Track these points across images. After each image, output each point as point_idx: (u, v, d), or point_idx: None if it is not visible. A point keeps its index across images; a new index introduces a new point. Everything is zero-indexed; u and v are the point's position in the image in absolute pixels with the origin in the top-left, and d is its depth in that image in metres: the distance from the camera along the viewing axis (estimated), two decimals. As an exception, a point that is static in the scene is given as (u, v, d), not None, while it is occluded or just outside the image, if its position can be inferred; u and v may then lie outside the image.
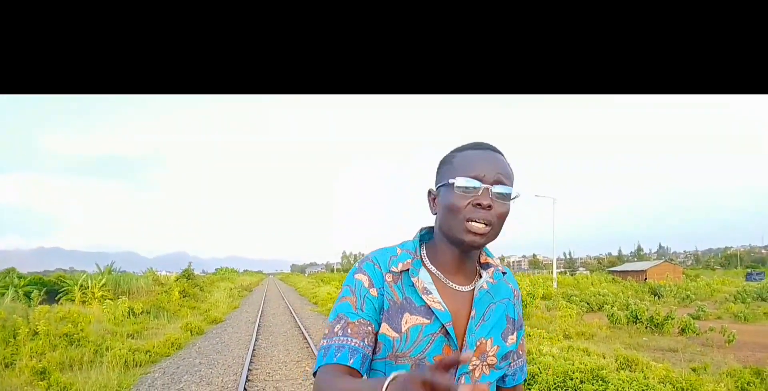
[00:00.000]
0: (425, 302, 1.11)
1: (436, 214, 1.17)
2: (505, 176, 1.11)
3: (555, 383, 5.51)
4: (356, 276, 1.16)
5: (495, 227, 1.10)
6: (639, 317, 14.00)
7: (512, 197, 1.12)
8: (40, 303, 15.74)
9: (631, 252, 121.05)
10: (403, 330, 1.09)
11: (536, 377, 5.79)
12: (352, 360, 1.06)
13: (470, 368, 1.13)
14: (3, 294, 16.02)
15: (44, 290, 19.37)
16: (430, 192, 1.19)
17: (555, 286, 29.93)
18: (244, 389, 6.89)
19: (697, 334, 12.76)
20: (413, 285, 1.12)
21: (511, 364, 1.28)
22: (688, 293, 24.79)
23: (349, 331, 1.09)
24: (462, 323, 1.13)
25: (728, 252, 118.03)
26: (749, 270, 57.26)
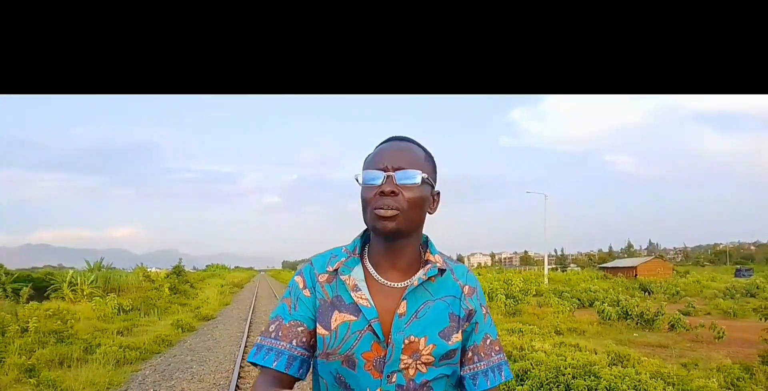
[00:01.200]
0: (354, 300, 1.13)
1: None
2: (407, 162, 1.13)
3: (547, 379, 5.51)
4: (295, 278, 1.22)
5: (405, 212, 1.11)
6: (629, 313, 14.09)
7: (417, 182, 1.12)
8: (28, 300, 15.60)
9: (622, 249, 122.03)
10: (332, 328, 1.13)
11: (528, 372, 5.80)
12: (275, 363, 1.13)
13: (401, 366, 1.11)
14: (-9, 291, 15.87)
15: (32, 286, 19.18)
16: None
17: (546, 282, 30.09)
18: (236, 385, 6.86)
19: (686, 330, 12.86)
20: (345, 283, 1.16)
21: (470, 366, 1.21)
22: (678, 289, 25.00)
23: (281, 333, 1.16)
24: (391, 321, 1.13)
25: (717, 249, 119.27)
26: (738, 266, 57.93)
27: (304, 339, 1.15)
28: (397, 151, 1.15)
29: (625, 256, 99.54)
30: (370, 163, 1.15)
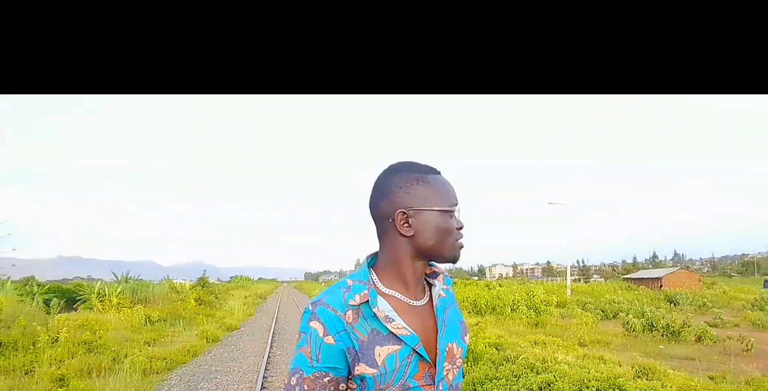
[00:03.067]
0: (390, 330, 1.14)
1: (410, 235, 1.19)
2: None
3: (571, 392, 5.49)
4: (311, 323, 1.15)
5: None
6: (655, 325, 13.87)
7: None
8: (59, 311, 15.91)
9: (646, 259, 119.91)
10: (379, 364, 1.12)
11: (552, 385, 5.77)
12: None
13: (444, 373, 1.19)
14: (22, 302, 16.21)
15: (63, 298, 19.57)
16: (402, 213, 1.19)
17: (569, 293, 29.71)
18: (261, 396, 6.93)
19: (714, 342, 12.61)
20: (375, 316, 1.15)
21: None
22: (705, 300, 24.49)
23: (305, 387, 1.12)
24: (431, 335, 1.20)
25: (745, 259, 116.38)
26: (767, 277, 56.41)
27: (332, 389, 1.14)
28: (451, 187, 1.25)
29: (650, 267, 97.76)
30: (446, 196, 1.22)
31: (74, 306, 19.36)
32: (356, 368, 1.13)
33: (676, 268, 54.36)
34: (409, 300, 1.21)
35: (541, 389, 5.77)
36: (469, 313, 17.84)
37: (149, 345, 11.49)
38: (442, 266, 1.32)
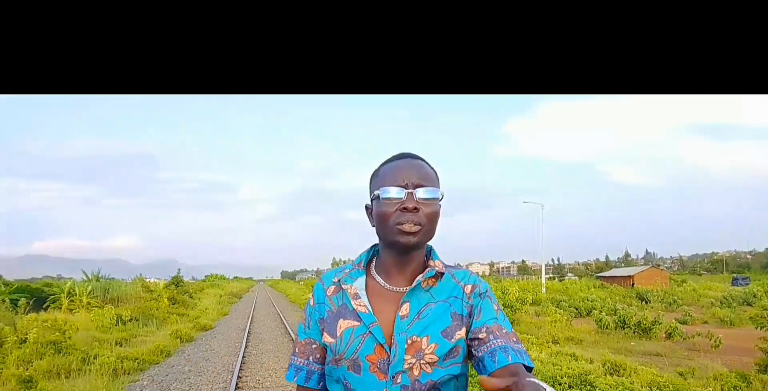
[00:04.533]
0: (354, 307, 1.21)
1: (373, 227, 1.24)
2: (425, 180, 1.20)
3: (544, 388, 5.55)
4: (311, 294, 1.32)
5: (426, 227, 1.19)
6: (627, 322, 14.12)
7: (438, 197, 1.21)
8: (27, 311, 15.56)
9: (619, 258, 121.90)
10: (338, 334, 1.21)
11: (525, 382, 5.83)
12: (296, 377, 1.28)
13: (405, 366, 1.15)
14: (-11, 302, 15.81)
15: (31, 297, 19.14)
16: (367, 207, 1.28)
17: (544, 291, 30.07)
18: (234, 396, 6.86)
19: (683, 338, 12.90)
20: (347, 292, 1.24)
21: (485, 346, 1.15)
22: (675, 298, 25.01)
23: (298, 350, 1.30)
24: (393, 324, 1.20)
25: (714, 257, 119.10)
26: (735, 275, 57.85)
27: (318, 355, 1.27)
28: (415, 168, 1.21)
29: (622, 265, 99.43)
30: (388, 180, 1.20)
31: (44, 306, 18.95)
32: (323, 336, 1.24)
33: (647, 266, 55.39)
34: (388, 285, 1.24)
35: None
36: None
37: (120, 345, 11.30)
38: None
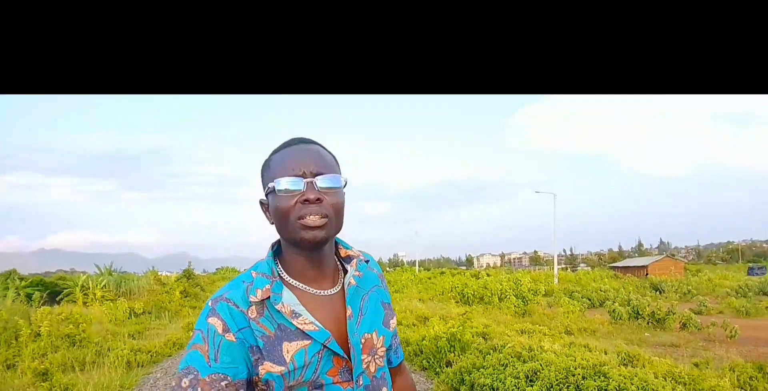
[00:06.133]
0: (297, 327, 1.04)
1: (272, 224, 1.10)
2: (324, 167, 1.08)
3: (557, 380, 5.50)
4: (209, 320, 1.04)
5: (333, 218, 1.06)
6: (640, 313, 14.01)
7: (341, 185, 1.09)
8: (41, 305, 15.75)
9: (632, 248, 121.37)
10: (287, 360, 1.03)
11: (538, 373, 5.78)
12: None
13: (363, 366, 1.10)
14: (4, 296, 16.02)
15: (45, 291, 19.38)
16: (261, 203, 1.13)
17: (556, 282, 29.97)
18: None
19: (698, 329, 12.78)
20: (281, 312, 1.05)
21: (393, 341, 1.27)
22: (690, 288, 24.80)
23: (200, 390, 0.99)
24: (344, 328, 1.09)
25: (730, 247, 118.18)
26: (751, 265, 57.41)
27: None
28: (312, 155, 1.08)
29: (636, 255, 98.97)
30: (282, 170, 1.06)
31: (57, 299, 19.18)
32: (260, 367, 1.04)
33: (662, 256, 54.96)
34: (315, 291, 1.11)
35: (527, 377, 5.78)
36: (457, 303, 17.91)
37: (133, 338, 11.41)
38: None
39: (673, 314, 13.52)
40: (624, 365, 6.39)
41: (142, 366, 8.79)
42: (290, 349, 1.03)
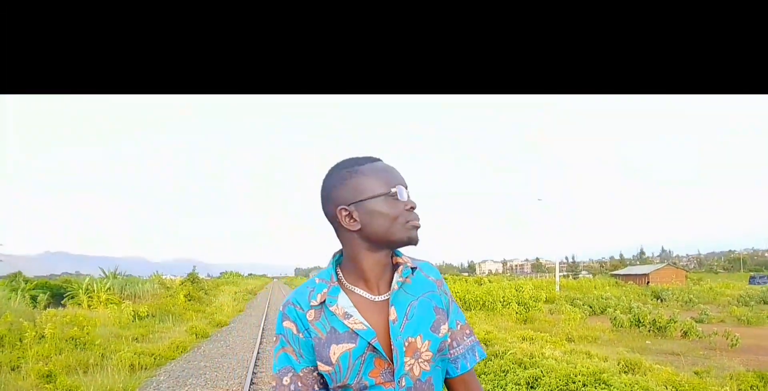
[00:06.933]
0: (349, 327, 1.16)
1: (357, 229, 1.19)
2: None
3: (558, 387, 5.54)
4: (284, 324, 1.21)
5: None
6: (642, 321, 14.02)
7: None
8: (46, 307, 15.82)
9: (634, 256, 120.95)
10: (333, 361, 1.15)
11: (539, 380, 5.83)
12: None
13: (406, 369, 1.16)
14: (9, 298, 16.09)
15: (50, 293, 19.45)
16: (342, 210, 1.20)
17: (558, 289, 29.94)
18: (250, 392, 6.93)
19: (700, 337, 12.78)
20: (335, 314, 1.17)
21: (451, 352, 1.30)
22: (691, 296, 24.77)
23: (300, 383, 1.18)
24: (389, 331, 1.18)
25: (731, 256, 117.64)
26: (752, 273, 57.14)
27: (322, 381, 1.20)
28: (389, 170, 1.23)
29: (638, 263, 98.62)
30: (389, 180, 1.20)
31: (62, 302, 19.25)
32: (318, 364, 1.18)
33: (663, 264, 54.79)
34: (371, 296, 1.21)
35: (528, 384, 5.82)
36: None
37: (137, 341, 11.45)
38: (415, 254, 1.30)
39: (675, 322, 13.53)
40: (625, 372, 6.43)
41: (146, 369, 8.84)
42: (336, 351, 1.15)
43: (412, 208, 1.21)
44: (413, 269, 1.26)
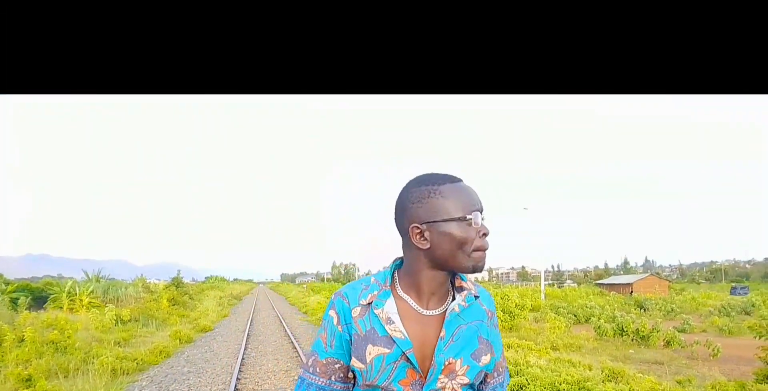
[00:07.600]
0: (388, 333, 1.18)
1: (426, 248, 1.19)
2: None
3: (542, 395, 5.57)
4: (330, 312, 1.26)
5: None
6: (625, 330, 14.13)
7: None
8: (27, 309, 15.58)
9: (618, 265, 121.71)
10: (367, 361, 1.18)
11: (524, 388, 5.85)
12: None
13: (438, 385, 1.17)
14: (-11, 301, 15.84)
15: (31, 296, 19.17)
16: (415, 227, 1.20)
17: (543, 298, 30.08)
18: (233, 398, 6.87)
19: (682, 347, 12.90)
20: (378, 317, 1.20)
21: (489, 381, 1.32)
22: (674, 306, 25.02)
23: (318, 370, 1.24)
24: (430, 345, 1.19)
25: (713, 266, 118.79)
26: (734, 284, 57.77)
27: (341, 374, 1.24)
28: (469, 194, 1.21)
29: (621, 273, 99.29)
30: (466, 204, 1.18)
31: (44, 305, 18.98)
32: (351, 359, 1.22)
33: (647, 274, 55.25)
34: (419, 308, 1.22)
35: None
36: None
37: (120, 346, 11.31)
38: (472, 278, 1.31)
39: (658, 331, 13.65)
40: (608, 381, 6.48)
41: (128, 374, 8.73)
42: (372, 351, 1.18)
43: (485, 234, 1.19)
44: (476, 297, 1.28)
